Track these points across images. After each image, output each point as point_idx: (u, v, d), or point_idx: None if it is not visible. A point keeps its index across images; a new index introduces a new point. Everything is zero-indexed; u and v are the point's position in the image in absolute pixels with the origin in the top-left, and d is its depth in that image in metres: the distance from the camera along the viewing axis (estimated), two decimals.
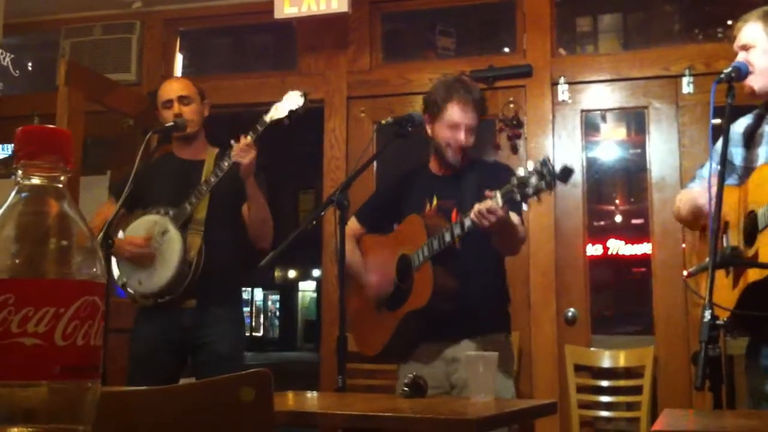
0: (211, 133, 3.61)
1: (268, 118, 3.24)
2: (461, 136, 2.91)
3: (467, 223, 2.63)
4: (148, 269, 3.29)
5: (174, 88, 3.49)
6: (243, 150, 3.16)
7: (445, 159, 2.98)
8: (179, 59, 5.22)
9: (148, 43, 5.13)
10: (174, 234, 3.26)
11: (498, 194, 2.51)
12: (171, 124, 3.41)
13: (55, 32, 5.20)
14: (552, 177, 2.39)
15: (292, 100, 3.23)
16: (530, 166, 2.44)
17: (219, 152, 3.46)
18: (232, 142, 3.22)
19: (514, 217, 2.75)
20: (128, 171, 3.24)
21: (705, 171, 2.64)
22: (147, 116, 4.64)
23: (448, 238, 2.71)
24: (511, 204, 2.55)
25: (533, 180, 2.41)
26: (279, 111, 3.23)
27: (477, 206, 2.56)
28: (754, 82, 2.43)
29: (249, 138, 3.19)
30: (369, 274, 3.04)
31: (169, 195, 3.38)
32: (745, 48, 2.45)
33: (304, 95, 3.24)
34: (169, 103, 3.44)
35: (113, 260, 3.38)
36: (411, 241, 2.87)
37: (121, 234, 3.40)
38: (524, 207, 2.45)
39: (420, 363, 2.92)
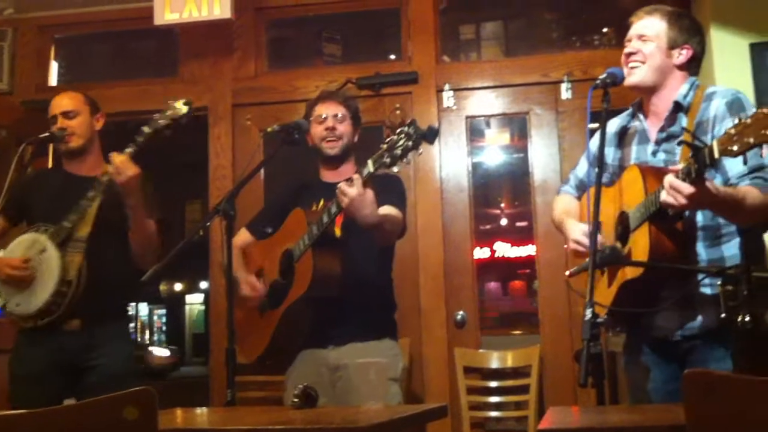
0: None
1: (147, 129, 3.13)
2: (330, 123, 3.05)
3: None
4: (25, 291, 3.14)
5: (59, 103, 3.33)
6: (119, 166, 3.06)
7: (325, 154, 3.07)
8: (54, 67, 5.04)
9: (21, 51, 4.94)
10: (52, 252, 3.12)
11: (369, 162, 2.56)
12: (46, 134, 3.27)
13: None
14: (418, 136, 2.45)
15: (174, 110, 3.15)
16: (398, 130, 2.51)
17: None
18: (110, 155, 3.11)
19: (390, 209, 2.85)
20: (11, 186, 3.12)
21: (579, 170, 2.74)
22: (21, 126, 4.46)
23: (326, 218, 2.72)
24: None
25: (401, 142, 2.47)
26: (159, 122, 3.13)
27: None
28: (640, 74, 2.44)
29: (125, 153, 3.09)
30: (242, 285, 3.00)
31: (53, 211, 3.22)
32: (643, 39, 2.45)
33: (188, 104, 3.15)
34: (54, 119, 3.31)
35: None
36: (294, 234, 2.86)
37: (0, 253, 3.25)
38: (395, 169, 2.51)
39: (306, 371, 2.89)
